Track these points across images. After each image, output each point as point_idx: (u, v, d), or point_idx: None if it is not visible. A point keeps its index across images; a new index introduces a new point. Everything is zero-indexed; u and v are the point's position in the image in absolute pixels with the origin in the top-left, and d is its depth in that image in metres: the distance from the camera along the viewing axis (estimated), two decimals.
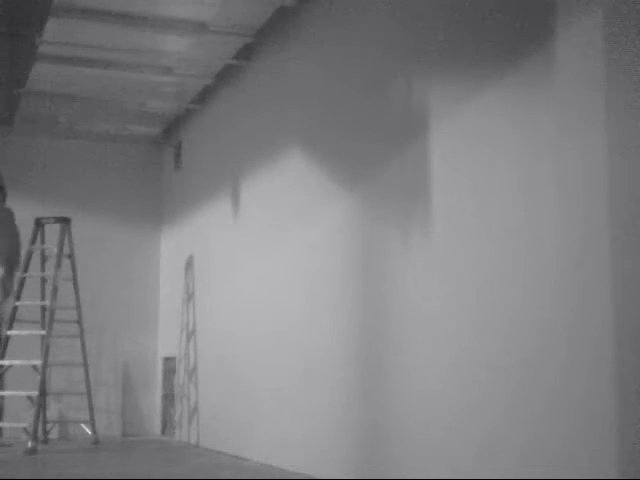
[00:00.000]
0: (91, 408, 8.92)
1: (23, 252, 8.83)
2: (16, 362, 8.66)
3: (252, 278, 7.61)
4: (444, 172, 4.74)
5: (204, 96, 9.16)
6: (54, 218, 9.10)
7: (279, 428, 6.83)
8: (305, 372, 6.40)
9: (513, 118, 4.18)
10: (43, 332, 8.72)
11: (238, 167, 8.11)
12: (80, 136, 10.50)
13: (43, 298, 9.16)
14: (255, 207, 7.68)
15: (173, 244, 10.29)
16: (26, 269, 8.97)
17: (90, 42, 7.67)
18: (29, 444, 8.00)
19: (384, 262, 5.33)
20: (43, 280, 9.22)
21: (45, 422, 9.09)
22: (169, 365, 10.12)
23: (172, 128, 10.43)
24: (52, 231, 9.11)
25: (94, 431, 8.84)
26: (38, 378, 8.49)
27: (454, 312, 4.57)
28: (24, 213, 9.75)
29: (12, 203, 10.17)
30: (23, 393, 8.65)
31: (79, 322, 9.03)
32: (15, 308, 8.80)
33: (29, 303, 8.98)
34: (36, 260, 9.19)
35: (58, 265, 8.81)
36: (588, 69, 3.69)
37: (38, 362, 8.53)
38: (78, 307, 9.03)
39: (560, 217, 3.83)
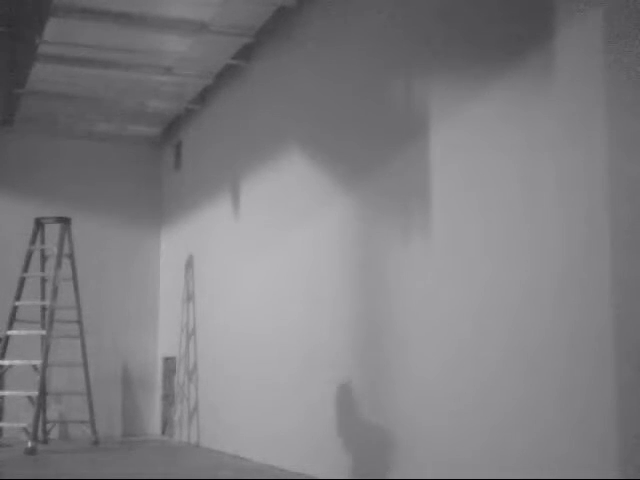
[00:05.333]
0: (91, 408, 8.92)
1: (23, 252, 8.86)
2: (16, 362, 8.66)
3: (252, 278, 7.61)
4: (444, 172, 4.74)
5: (204, 96, 9.16)
6: (54, 218, 9.10)
7: (279, 428, 6.83)
8: (305, 372, 6.40)
9: (513, 118, 4.18)
10: (43, 332, 8.72)
11: (238, 167, 8.11)
12: (80, 136, 10.50)
13: (43, 298, 9.16)
14: (255, 207, 7.68)
15: (173, 244, 10.29)
16: (26, 269, 8.97)
17: (90, 42, 7.67)
18: (29, 444, 8.00)
19: (384, 262, 5.33)
20: (43, 280, 9.23)
21: (45, 422, 9.09)
22: (169, 365, 10.12)
23: (172, 128, 10.43)
24: (52, 231, 9.11)
25: (94, 431, 8.84)
26: (38, 378, 8.49)
27: (454, 312, 4.57)
28: (24, 213, 9.78)
29: (12, 203, 10.20)
30: (23, 393, 8.65)
31: (79, 322, 9.03)
32: (15, 308, 8.81)
33: (29, 303, 8.98)
34: (36, 260, 9.19)
35: (58, 265, 8.81)
36: (588, 69, 3.69)
37: (38, 362, 8.53)
38: (78, 307, 9.03)
39: (561, 216, 3.83)
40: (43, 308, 9.11)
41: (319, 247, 6.28)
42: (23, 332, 8.77)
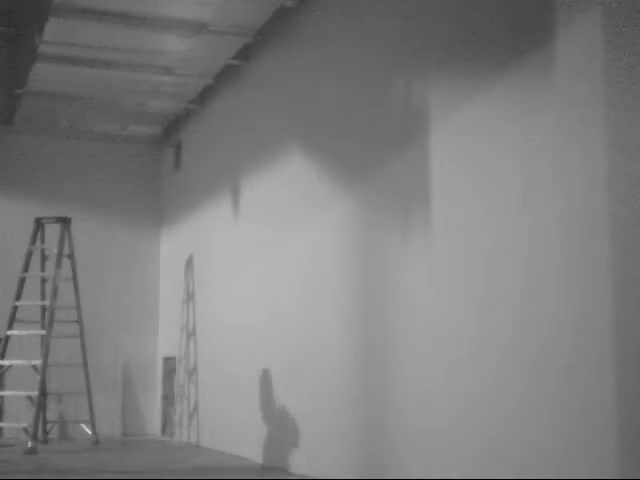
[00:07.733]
0: (91, 408, 8.92)
1: (23, 252, 8.85)
2: (16, 362, 8.66)
3: (252, 278, 7.61)
4: (444, 172, 4.74)
5: (204, 96, 9.16)
6: (54, 218, 9.10)
7: (279, 428, 6.83)
8: (305, 373, 6.40)
9: (513, 117, 4.18)
10: (43, 332, 8.72)
11: (238, 167, 8.11)
12: (80, 136, 10.50)
13: (43, 298, 9.15)
14: (255, 207, 7.68)
15: (173, 244, 10.29)
16: (26, 269, 8.96)
17: (90, 42, 7.67)
18: (29, 444, 8.00)
19: (384, 262, 5.33)
20: (43, 280, 9.22)
21: (45, 422, 9.09)
22: (169, 365, 10.12)
23: (172, 128, 10.43)
24: (52, 231, 9.11)
25: (94, 431, 8.84)
26: (38, 378, 8.49)
27: (454, 312, 4.57)
28: (24, 213, 9.78)
29: (12, 203, 10.20)
30: (23, 393, 8.65)
31: (79, 322, 9.03)
32: (15, 308, 8.81)
33: (29, 303, 8.97)
34: (36, 260, 9.18)
35: (58, 265, 8.81)
36: (588, 69, 3.69)
37: (38, 362, 8.53)
38: (78, 307, 9.03)
39: (560, 216, 3.83)
40: (43, 308, 9.11)
41: (319, 247, 6.28)
42: (23, 332, 8.77)
